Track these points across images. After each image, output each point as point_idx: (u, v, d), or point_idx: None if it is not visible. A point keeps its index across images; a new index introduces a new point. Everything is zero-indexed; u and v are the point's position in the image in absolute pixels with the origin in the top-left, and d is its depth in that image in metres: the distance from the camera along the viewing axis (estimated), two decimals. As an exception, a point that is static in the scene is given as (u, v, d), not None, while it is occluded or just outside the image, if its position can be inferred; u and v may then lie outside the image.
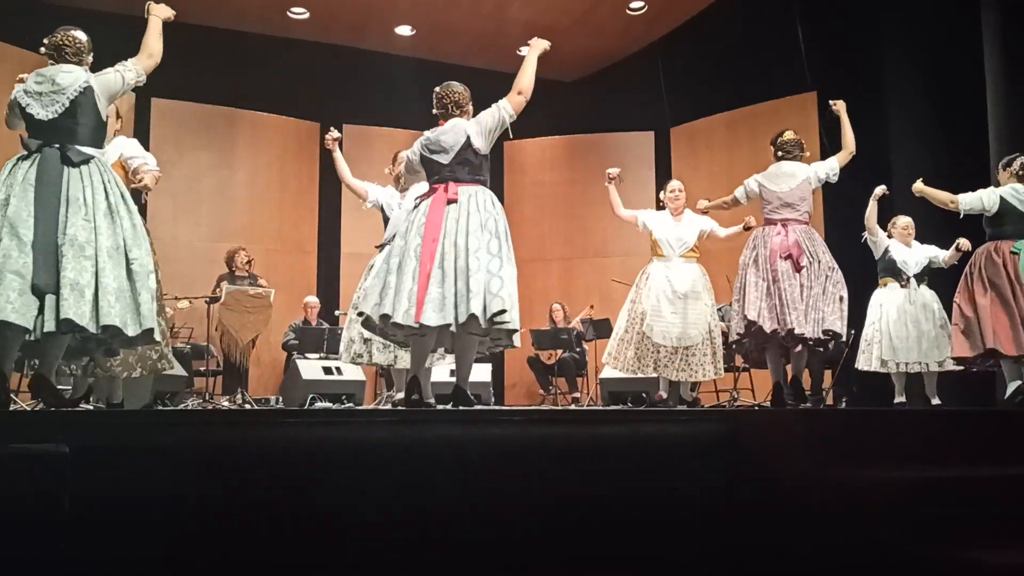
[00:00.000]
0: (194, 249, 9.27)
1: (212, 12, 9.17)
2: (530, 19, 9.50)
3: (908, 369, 6.41)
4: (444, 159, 4.32)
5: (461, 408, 4.07)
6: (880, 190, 6.40)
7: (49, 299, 3.56)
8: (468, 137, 4.31)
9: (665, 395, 6.30)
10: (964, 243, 6.17)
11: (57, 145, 3.78)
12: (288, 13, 9.41)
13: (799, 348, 5.34)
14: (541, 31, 9.69)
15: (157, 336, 3.88)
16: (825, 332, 5.19)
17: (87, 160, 3.82)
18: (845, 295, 5.32)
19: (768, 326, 5.17)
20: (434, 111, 4.48)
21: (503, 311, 4.01)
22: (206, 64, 9.27)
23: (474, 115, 4.47)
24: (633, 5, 9.40)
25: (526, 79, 4.61)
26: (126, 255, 3.77)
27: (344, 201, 9.92)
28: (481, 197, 4.25)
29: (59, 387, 4.03)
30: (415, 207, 4.34)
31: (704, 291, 6.19)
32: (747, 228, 6.22)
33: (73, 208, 3.69)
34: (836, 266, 5.36)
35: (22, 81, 3.99)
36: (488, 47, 10.05)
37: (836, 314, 5.22)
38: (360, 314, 4.71)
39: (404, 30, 9.82)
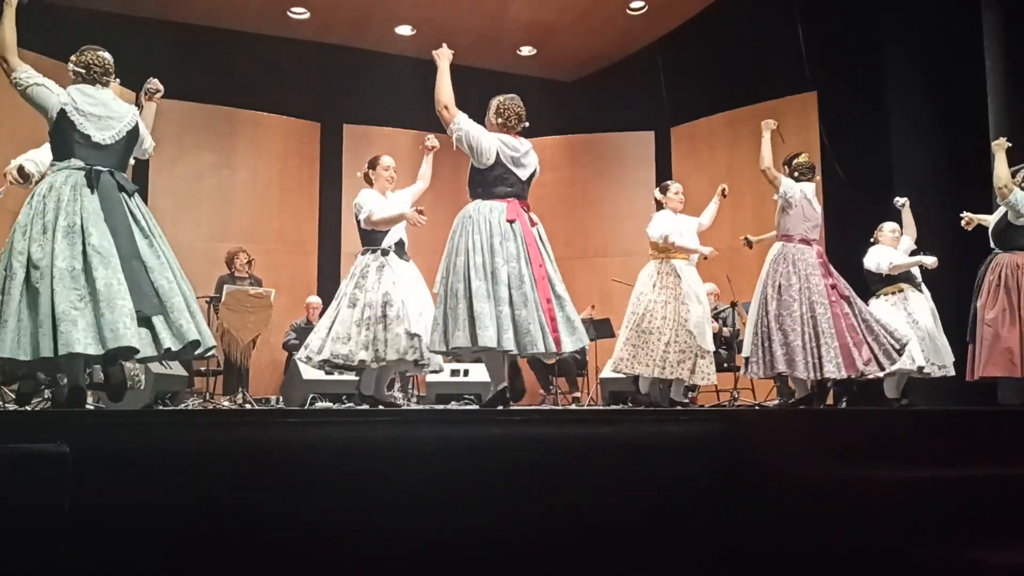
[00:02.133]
0: (194, 249, 9.25)
1: (213, 12, 9.17)
2: (530, 19, 9.51)
3: (938, 372, 6.38)
4: (523, 175, 4.42)
5: (462, 408, 4.09)
6: (900, 202, 6.44)
7: (157, 320, 3.72)
8: (537, 166, 4.48)
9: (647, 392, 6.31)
10: (932, 263, 6.19)
11: (107, 169, 3.87)
12: (288, 13, 9.40)
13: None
14: (541, 31, 9.80)
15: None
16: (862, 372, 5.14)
17: (136, 190, 3.98)
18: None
19: (803, 374, 5.05)
20: (496, 121, 4.46)
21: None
22: (207, 64, 9.27)
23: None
24: (633, 5, 9.40)
25: (439, 92, 4.53)
26: (183, 277, 3.95)
27: (344, 201, 9.92)
28: (539, 224, 4.43)
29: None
30: (496, 222, 4.28)
31: (704, 296, 6.24)
32: (724, 195, 6.24)
33: (140, 235, 3.84)
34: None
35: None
36: (489, 47, 10.04)
37: (888, 343, 5.19)
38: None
39: (404, 30, 9.81)
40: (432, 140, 5.50)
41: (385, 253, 5.26)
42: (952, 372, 6.31)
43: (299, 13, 9.41)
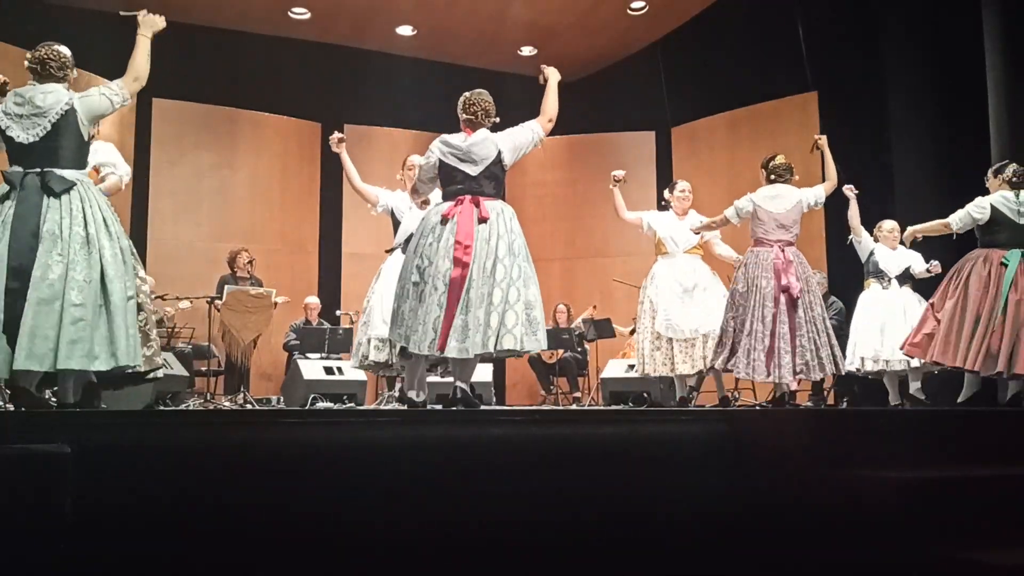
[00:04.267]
0: (195, 249, 9.28)
1: (213, 12, 9.17)
2: (531, 20, 9.50)
3: (889, 368, 6.43)
4: (472, 170, 4.22)
5: (462, 408, 4.06)
6: (849, 190, 6.45)
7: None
8: (500, 152, 4.25)
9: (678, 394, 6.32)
10: (935, 267, 6.27)
11: (38, 170, 3.74)
12: (289, 13, 9.40)
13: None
14: (542, 31, 9.79)
15: (141, 368, 3.82)
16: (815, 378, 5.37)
17: (69, 188, 3.76)
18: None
19: (760, 378, 5.29)
20: (463, 117, 4.36)
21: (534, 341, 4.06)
22: (207, 64, 9.29)
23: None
24: (634, 5, 9.40)
25: (553, 106, 4.57)
26: (104, 287, 3.71)
27: (346, 201, 9.92)
28: (507, 215, 4.19)
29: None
30: (439, 222, 4.17)
31: (713, 283, 6.23)
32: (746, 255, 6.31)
33: (46, 243, 3.65)
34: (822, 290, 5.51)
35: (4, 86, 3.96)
36: (489, 47, 10.04)
37: (828, 351, 5.31)
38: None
39: (405, 30, 9.81)
40: (334, 137, 5.57)
41: (391, 252, 5.30)
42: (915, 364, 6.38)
43: (300, 13, 9.41)
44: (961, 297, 5.31)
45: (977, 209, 5.42)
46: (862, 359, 6.47)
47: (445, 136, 4.34)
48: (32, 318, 3.55)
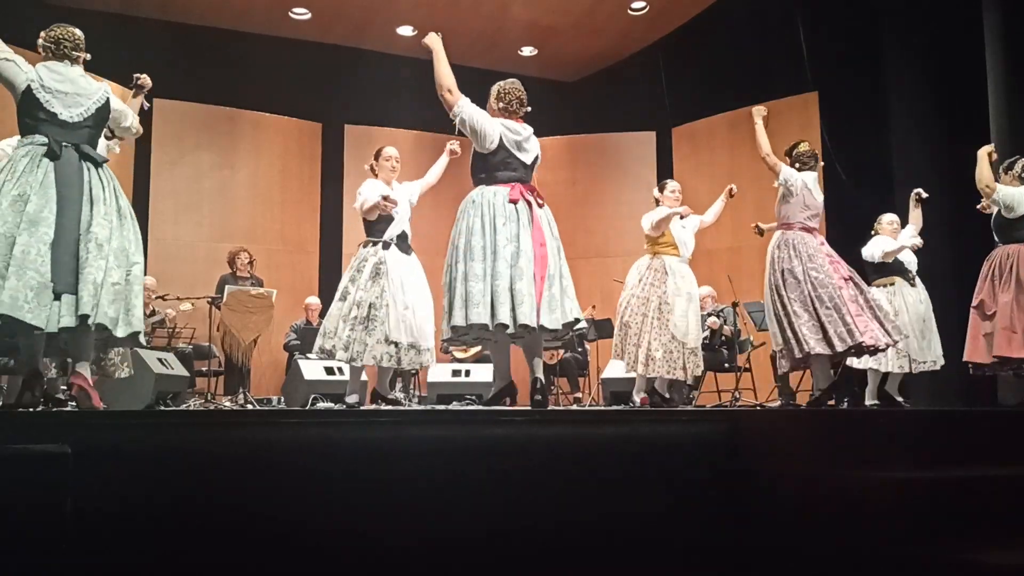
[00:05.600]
0: (195, 249, 9.28)
1: (214, 12, 9.18)
2: (531, 19, 9.51)
3: (914, 369, 6.38)
4: (527, 159, 4.42)
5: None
6: (917, 193, 6.45)
7: (65, 296, 3.66)
8: (539, 151, 4.49)
9: (667, 395, 6.31)
10: (917, 242, 6.26)
11: (74, 144, 3.86)
12: (290, 13, 9.41)
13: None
14: (542, 31, 9.80)
15: (142, 339, 4.00)
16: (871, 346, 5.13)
17: (103, 163, 3.93)
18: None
19: (839, 347, 5.03)
20: (498, 106, 4.46)
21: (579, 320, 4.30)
22: (208, 64, 9.29)
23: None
24: (634, 5, 9.40)
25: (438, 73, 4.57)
26: (128, 259, 3.88)
27: (346, 201, 9.92)
28: (546, 205, 4.43)
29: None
30: (500, 204, 4.29)
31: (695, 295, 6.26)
32: (731, 195, 6.25)
33: (97, 206, 3.79)
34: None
35: None
36: (490, 47, 10.05)
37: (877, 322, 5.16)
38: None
39: (405, 30, 9.82)
40: (455, 146, 5.51)
41: (386, 246, 5.26)
42: (937, 367, 6.34)
43: (300, 13, 9.42)
44: (1016, 292, 5.30)
45: (1011, 197, 5.42)
46: (899, 360, 6.38)
47: (504, 120, 4.44)
48: (94, 272, 3.70)
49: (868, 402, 6.47)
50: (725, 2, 9.23)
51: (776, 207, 5.44)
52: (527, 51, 10.23)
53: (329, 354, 5.19)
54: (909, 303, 6.41)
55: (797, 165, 5.42)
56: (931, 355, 6.36)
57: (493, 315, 4.10)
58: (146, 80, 4.34)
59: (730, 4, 9.18)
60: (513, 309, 4.10)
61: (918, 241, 6.30)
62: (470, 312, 4.11)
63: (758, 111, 5.54)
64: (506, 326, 4.10)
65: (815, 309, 5.05)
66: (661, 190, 6.46)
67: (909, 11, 8.08)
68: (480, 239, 4.21)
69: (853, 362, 6.39)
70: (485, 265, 4.17)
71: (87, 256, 3.70)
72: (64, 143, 3.84)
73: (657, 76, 10.24)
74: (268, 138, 9.97)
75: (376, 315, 5.10)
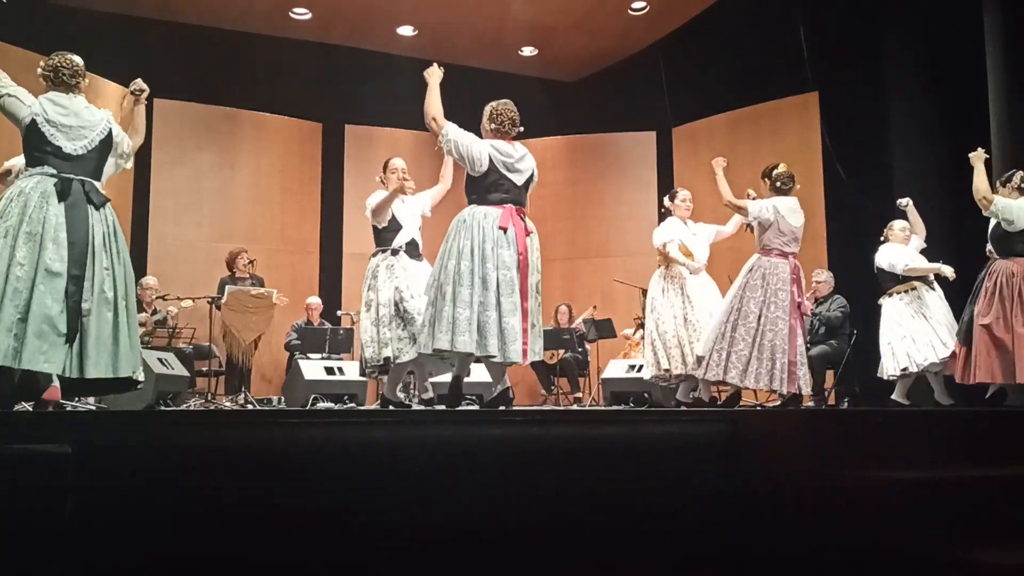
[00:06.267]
0: (196, 249, 9.28)
1: (214, 12, 9.17)
2: (532, 20, 9.50)
3: (932, 369, 6.35)
4: (518, 180, 4.39)
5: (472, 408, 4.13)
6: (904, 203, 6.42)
7: (75, 345, 3.73)
8: (534, 170, 4.45)
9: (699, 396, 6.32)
10: (950, 273, 6.20)
11: (79, 179, 3.90)
12: (290, 14, 9.41)
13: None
14: (543, 31, 9.80)
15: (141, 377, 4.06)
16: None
17: (106, 202, 3.96)
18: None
19: (751, 384, 5.34)
20: (490, 127, 4.46)
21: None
22: (208, 64, 9.29)
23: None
24: (635, 5, 9.40)
25: (427, 104, 4.57)
26: (127, 302, 3.95)
27: (346, 201, 9.93)
28: (535, 232, 4.42)
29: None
30: (490, 228, 4.27)
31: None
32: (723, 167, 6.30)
33: (98, 256, 3.84)
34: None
35: None
36: (490, 47, 10.04)
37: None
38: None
39: (406, 30, 9.82)
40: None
41: (395, 253, 5.27)
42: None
43: (301, 13, 9.42)
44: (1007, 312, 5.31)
45: (1010, 210, 5.40)
46: (924, 361, 6.34)
47: (494, 142, 4.42)
48: (96, 327, 3.76)
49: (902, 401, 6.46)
50: (725, 2, 9.22)
51: (755, 235, 5.62)
52: (527, 51, 10.23)
53: (379, 365, 5.14)
54: (935, 308, 6.37)
55: (778, 185, 5.49)
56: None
57: (481, 345, 4.13)
58: (141, 84, 4.33)
59: (730, 4, 9.17)
60: (504, 344, 4.13)
61: (948, 272, 6.30)
62: (456, 339, 4.13)
63: (718, 163, 5.86)
64: (493, 357, 4.14)
65: (752, 341, 5.28)
66: (672, 199, 6.46)
67: (909, 11, 8.08)
68: (468, 263, 4.21)
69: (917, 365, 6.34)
70: (472, 292, 4.16)
71: (91, 312, 3.75)
72: (71, 176, 3.88)
73: (657, 76, 10.23)
74: (268, 138, 9.97)
75: (408, 308, 5.10)
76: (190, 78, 9.03)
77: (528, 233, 4.34)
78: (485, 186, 4.35)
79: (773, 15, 8.96)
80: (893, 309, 6.38)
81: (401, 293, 5.10)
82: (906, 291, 6.40)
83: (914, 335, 6.25)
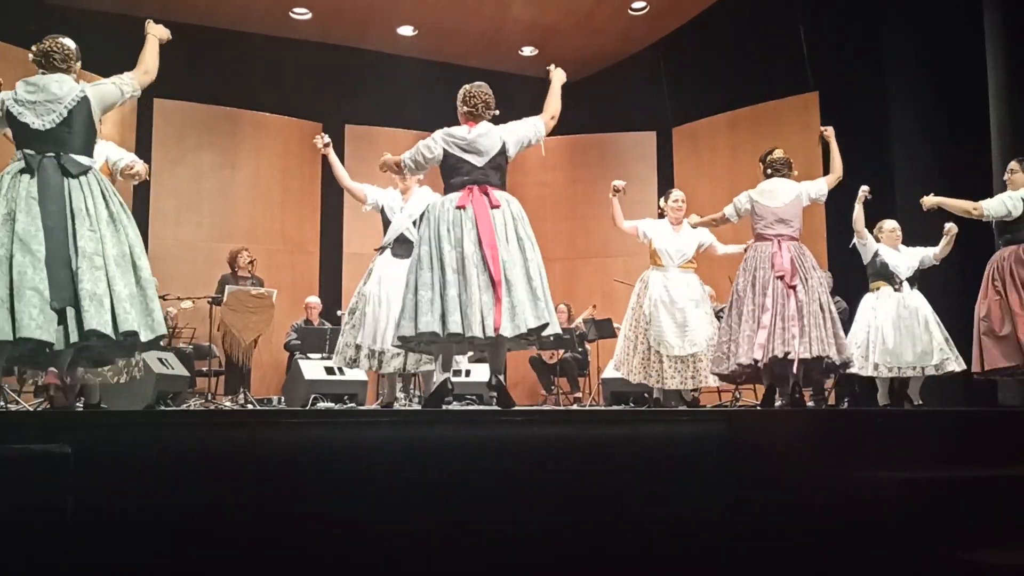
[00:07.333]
0: (196, 249, 9.28)
1: (214, 12, 9.18)
2: (532, 19, 9.51)
3: (901, 374, 6.37)
4: (478, 161, 4.29)
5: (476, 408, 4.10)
6: (863, 191, 6.36)
7: (69, 311, 3.63)
8: (504, 144, 4.32)
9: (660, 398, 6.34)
10: (951, 227, 6.24)
11: (52, 155, 3.80)
12: (290, 13, 9.42)
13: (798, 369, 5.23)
14: (543, 31, 9.80)
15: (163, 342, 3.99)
16: (825, 359, 5.08)
17: (85, 171, 3.85)
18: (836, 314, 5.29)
19: (764, 358, 5.06)
20: (463, 110, 4.41)
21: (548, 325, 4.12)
22: (208, 64, 9.29)
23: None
24: (635, 5, 9.41)
25: (556, 105, 4.60)
26: (133, 263, 3.83)
27: (346, 201, 9.93)
28: (515, 204, 4.30)
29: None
30: (453, 209, 4.21)
31: (703, 299, 6.23)
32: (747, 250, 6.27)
33: (79, 219, 3.74)
34: (827, 284, 5.37)
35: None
36: (490, 47, 10.05)
37: (832, 339, 5.10)
38: (353, 325, 4.89)
39: (406, 30, 9.82)
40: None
41: (381, 251, 5.30)
42: (935, 372, 6.32)
43: (301, 13, 9.42)
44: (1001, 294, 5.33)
45: (1011, 202, 5.41)
46: (876, 365, 6.36)
47: (448, 128, 4.39)
48: (90, 284, 3.65)
49: (881, 402, 6.51)
50: (725, 2, 9.22)
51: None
52: (527, 51, 10.23)
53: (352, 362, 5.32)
54: (886, 308, 6.42)
55: (770, 171, 5.48)
56: (932, 359, 6.30)
57: (444, 324, 4.05)
58: (159, 28, 4.23)
59: (730, 4, 9.18)
60: (464, 318, 4.04)
61: (936, 251, 6.39)
62: (419, 321, 4.07)
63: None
64: (458, 336, 4.05)
65: (733, 327, 5.24)
66: (665, 199, 6.49)
67: (909, 11, 8.08)
68: (427, 247, 4.19)
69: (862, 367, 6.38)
70: (432, 274, 4.12)
71: (79, 270, 3.66)
72: (44, 154, 3.79)
73: (657, 76, 10.24)
74: (268, 138, 9.97)
75: (367, 310, 5.18)
76: (190, 78, 9.02)
77: (495, 206, 4.22)
78: (446, 172, 4.36)
79: (773, 15, 8.96)
80: (865, 305, 6.52)
81: (366, 297, 5.19)
82: (874, 289, 6.53)
83: (887, 338, 6.35)
